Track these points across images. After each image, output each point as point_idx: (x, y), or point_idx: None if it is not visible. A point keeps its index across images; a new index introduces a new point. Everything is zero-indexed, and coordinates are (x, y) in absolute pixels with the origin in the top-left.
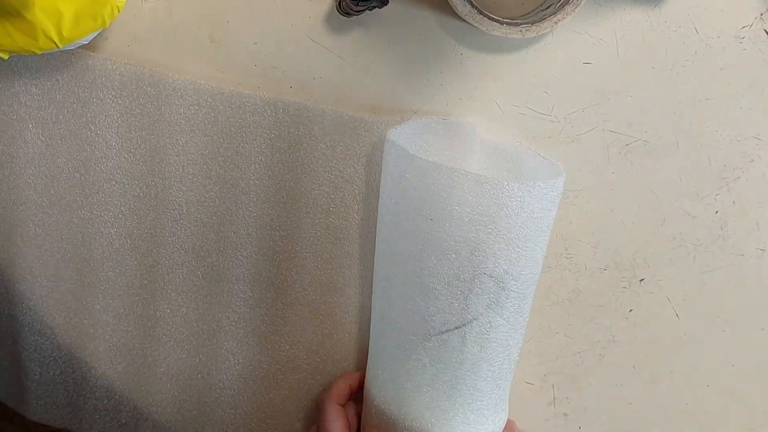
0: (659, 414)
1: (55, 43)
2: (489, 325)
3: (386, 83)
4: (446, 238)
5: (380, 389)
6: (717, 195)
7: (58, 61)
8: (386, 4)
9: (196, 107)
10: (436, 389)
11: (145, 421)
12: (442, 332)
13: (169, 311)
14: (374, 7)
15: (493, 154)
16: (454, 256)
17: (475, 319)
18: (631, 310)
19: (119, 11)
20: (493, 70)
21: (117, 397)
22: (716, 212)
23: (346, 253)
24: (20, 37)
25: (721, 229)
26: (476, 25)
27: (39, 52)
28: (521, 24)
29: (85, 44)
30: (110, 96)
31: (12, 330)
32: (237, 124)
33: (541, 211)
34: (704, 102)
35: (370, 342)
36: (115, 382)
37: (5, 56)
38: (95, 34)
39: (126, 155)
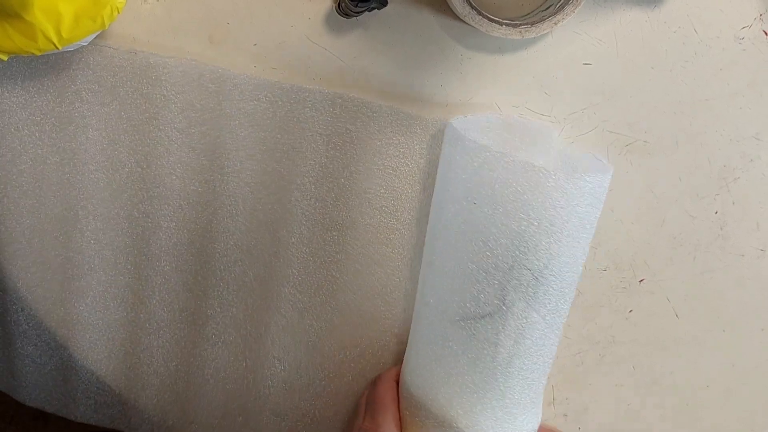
0: (659, 415)
1: (54, 45)
2: (525, 320)
3: (386, 84)
4: (487, 224)
5: (411, 373)
6: (717, 195)
7: (121, 58)
8: (386, 5)
9: (256, 102)
10: (466, 380)
11: (191, 424)
12: (476, 318)
13: (219, 310)
14: (374, 8)
15: (557, 156)
16: (493, 243)
17: (510, 309)
18: (630, 311)
19: (119, 12)
20: (493, 71)
21: (166, 397)
22: (716, 212)
23: (397, 254)
24: (19, 39)
25: (721, 229)
26: (476, 26)
27: (38, 54)
28: (521, 25)
29: (84, 45)
30: (172, 92)
31: (65, 332)
32: (295, 119)
33: (586, 207)
34: (704, 102)
35: (411, 327)
36: (166, 381)
37: (4, 57)
38: (95, 35)
39: (186, 150)
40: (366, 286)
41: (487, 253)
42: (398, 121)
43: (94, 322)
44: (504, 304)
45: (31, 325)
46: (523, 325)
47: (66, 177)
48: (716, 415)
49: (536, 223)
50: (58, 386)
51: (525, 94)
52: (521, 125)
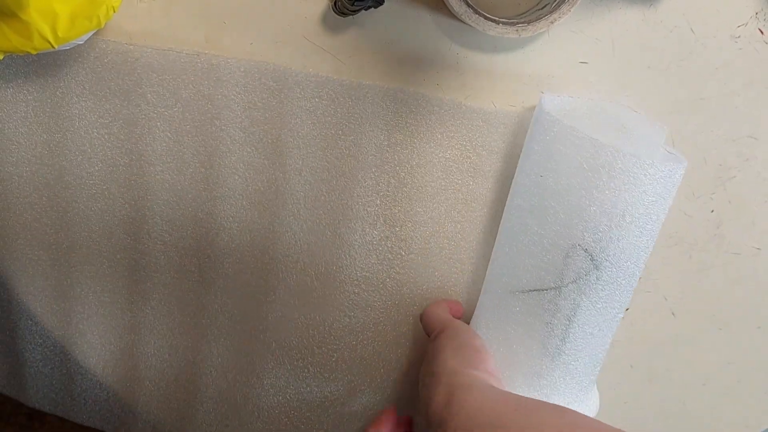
0: (656, 413)
1: (50, 44)
2: (576, 305)
3: (382, 83)
4: (549, 197)
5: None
6: (713, 194)
7: (185, 61)
8: (382, 4)
9: (317, 99)
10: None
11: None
12: (531, 291)
13: (280, 314)
14: (370, 7)
15: (634, 141)
16: (552, 217)
17: (563, 289)
18: (627, 309)
19: (115, 11)
20: (489, 70)
21: (224, 409)
22: (712, 211)
23: (461, 248)
24: (15, 38)
25: (717, 228)
26: (472, 24)
27: (34, 53)
28: (517, 23)
29: (80, 44)
30: (234, 92)
31: (132, 338)
32: (356, 115)
33: (654, 196)
34: (700, 101)
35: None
36: (224, 394)
37: (0, 56)
38: (91, 34)
39: (249, 149)
40: (429, 280)
41: (547, 228)
42: (459, 114)
43: (158, 327)
44: (561, 283)
45: (96, 333)
46: (574, 310)
47: (134, 179)
48: (713, 413)
49: (598, 203)
50: (117, 398)
51: (521, 92)
52: (616, 113)
